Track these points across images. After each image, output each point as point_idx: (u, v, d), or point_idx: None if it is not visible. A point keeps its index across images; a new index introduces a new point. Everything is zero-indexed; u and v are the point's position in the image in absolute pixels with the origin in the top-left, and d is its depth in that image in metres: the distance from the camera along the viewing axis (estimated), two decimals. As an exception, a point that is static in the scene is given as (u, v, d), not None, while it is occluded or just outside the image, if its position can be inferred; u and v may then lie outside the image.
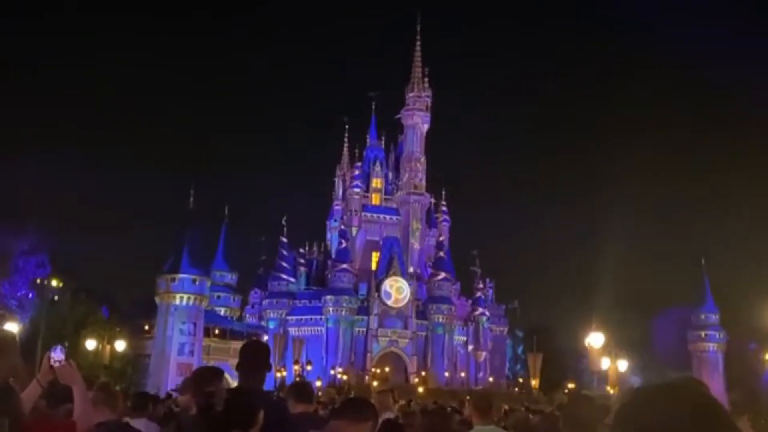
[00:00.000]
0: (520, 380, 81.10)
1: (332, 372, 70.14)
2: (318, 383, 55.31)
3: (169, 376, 52.63)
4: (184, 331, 56.85)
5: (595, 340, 29.32)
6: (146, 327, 58.96)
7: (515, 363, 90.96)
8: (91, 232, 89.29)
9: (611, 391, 33.82)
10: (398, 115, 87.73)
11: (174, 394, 17.61)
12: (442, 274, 79.17)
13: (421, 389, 61.98)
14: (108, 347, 41.45)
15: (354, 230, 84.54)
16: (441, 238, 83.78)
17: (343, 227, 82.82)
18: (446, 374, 75.37)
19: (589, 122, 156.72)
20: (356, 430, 3.12)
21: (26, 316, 43.51)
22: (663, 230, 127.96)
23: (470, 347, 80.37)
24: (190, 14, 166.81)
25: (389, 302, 76.87)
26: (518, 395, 59.48)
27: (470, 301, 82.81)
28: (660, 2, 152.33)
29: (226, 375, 4.89)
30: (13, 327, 28.86)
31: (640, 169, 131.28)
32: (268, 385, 5.78)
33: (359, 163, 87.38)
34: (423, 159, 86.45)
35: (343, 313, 75.43)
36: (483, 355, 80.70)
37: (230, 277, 76.79)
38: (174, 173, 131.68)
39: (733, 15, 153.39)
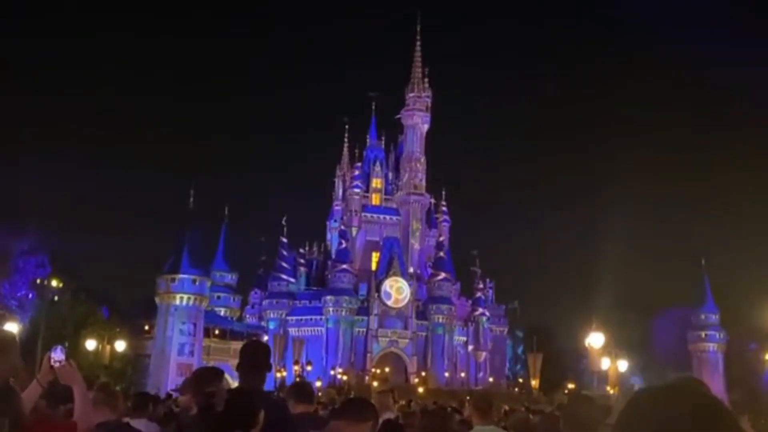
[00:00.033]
0: (520, 380, 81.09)
1: (332, 372, 70.15)
2: (318, 383, 55.32)
3: (169, 377, 52.62)
4: (184, 332, 56.85)
5: (595, 340, 29.35)
6: (146, 327, 58.94)
7: (515, 363, 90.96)
8: (91, 232, 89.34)
9: (611, 392, 33.86)
10: (398, 116, 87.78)
11: (174, 395, 17.62)
12: (442, 275, 79.18)
13: (421, 389, 61.97)
14: (108, 347, 41.46)
15: (354, 230, 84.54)
16: (441, 239, 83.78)
17: (343, 227, 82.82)
18: (446, 374, 75.37)
19: (589, 122, 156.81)
20: (356, 431, 3.12)
21: (26, 316, 43.50)
22: (663, 230, 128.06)
23: (470, 347, 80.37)
24: (190, 14, 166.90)
25: (389, 302, 76.87)
26: (518, 395, 59.45)
27: (470, 302, 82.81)
28: (660, 2, 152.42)
29: (227, 375, 4.88)
30: (13, 327, 28.88)
31: (640, 169, 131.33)
32: (268, 386, 5.78)
33: (359, 164, 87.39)
34: (423, 159, 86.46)
35: (343, 313, 75.43)
36: (483, 355, 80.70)
37: (230, 278, 76.78)
38: (174, 173, 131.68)
39: (733, 15, 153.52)
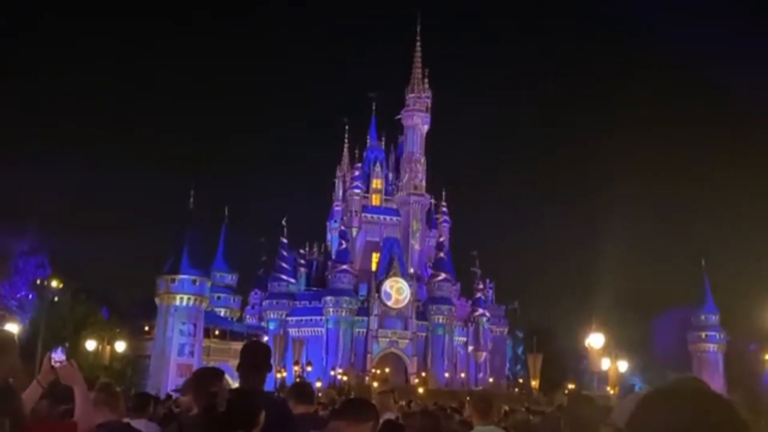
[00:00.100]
0: (520, 381, 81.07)
1: (332, 373, 70.13)
2: (318, 384, 55.29)
3: (169, 377, 52.64)
4: (184, 332, 56.86)
5: (595, 340, 29.34)
6: (146, 328, 58.94)
7: (515, 364, 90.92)
8: (91, 233, 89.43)
9: (611, 392, 33.85)
10: (398, 116, 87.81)
11: (174, 395, 17.63)
12: (442, 275, 79.18)
13: (421, 390, 61.96)
14: (108, 348, 41.42)
15: (354, 231, 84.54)
16: (441, 239, 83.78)
17: (343, 228, 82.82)
18: (446, 375, 75.37)
19: (589, 122, 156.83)
20: (356, 431, 3.12)
21: (26, 316, 43.50)
22: (663, 230, 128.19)
23: (470, 348, 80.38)
24: (190, 14, 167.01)
25: (389, 303, 76.87)
26: (518, 396, 59.44)
27: (470, 302, 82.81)
28: (660, 2, 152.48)
29: (227, 376, 4.88)
30: (13, 328, 28.82)
31: (640, 169, 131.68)
32: (268, 386, 5.78)
33: (359, 164, 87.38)
34: (423, 160, 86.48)
35: (344, 313, 75.42)
36: (483, 355, 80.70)
37: (230, 278, 76.80)
38: (174, 173, 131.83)
39: (733, 15, 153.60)
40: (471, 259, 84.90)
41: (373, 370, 71.64)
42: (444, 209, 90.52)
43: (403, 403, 15.85)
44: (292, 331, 74.42)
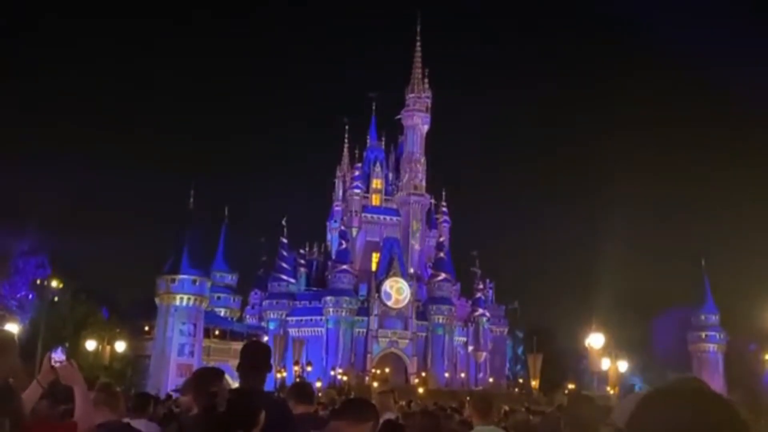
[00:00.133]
0: (520, 381, 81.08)
1: (332, 373, 70.13)
2: (318, 384, 55.27)
3: (169, 377, 52.63)
4: (184, 332, 56.85)
5: (595, 340, 29.34)
6: (146, 328, 58.94)
7: (515, 364, 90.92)
8: (91, 233, 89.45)
9: (611, 392, 33.85)
10: (398, 116, 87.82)
11: (174, 395, 17.63)
12: (442, 275, 79.18)
13: (421, 390, 61.95)
14: (108, 348, 41.41)
15: (354, 231, 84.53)
16: (441, 239, 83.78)
17: (343, 228, 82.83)
18: (446, 375, 75.37)
19: (589, 122, 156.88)
20: (356, 431, 3.12)
21: (26, 316, 43.49)
22: (663, 230, 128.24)
23: (470, 348, 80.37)
24: (190, 15, 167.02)
25: (389, 303, 76.86)
26: (518, 396, 59.44)
27: (470, 302, 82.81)
28: (660, 2, 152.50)
29: (227, 376, 4.88)
30: (13, 328, 28.82)
31: (640, 169, 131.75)
32: (268, 386, 5.78)
33: (359, 164, 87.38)
34: (423, 160, 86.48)
35: (344, 313, 75.42)
36: (483, 355, 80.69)
37: (230, 278, 76.81)
38: (174, 173, 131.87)
39: (733, 15, 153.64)
40: (471, 259, 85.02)
41: (373, 370, 71.64)
42: (444, 209, 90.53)
43: (403, 403, 15.85)
44: (292, 331, 74.43)
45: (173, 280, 57.58)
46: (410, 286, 77.39)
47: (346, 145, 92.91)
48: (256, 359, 4.51)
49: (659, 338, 74.76)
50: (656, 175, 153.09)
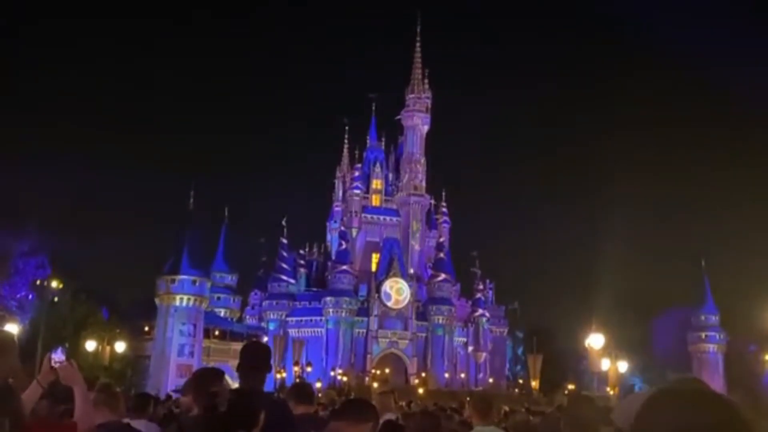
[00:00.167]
0: (520, 381, 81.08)
1: (332, 373, 70.13)
2: (318, 385, 55.31)
3: (169, 378, 52.62)
4: (184, 333, 56.85)
5: (595, 341, 29.34)
6: (146, 328, 58.94)
7: (515, 364, 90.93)
8: (91, 233, 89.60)
9: (611, 392, 33.84)
10: (398, 117, 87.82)
11: (174, 396, 17.63)
12: (442, 276, 79.17)
13: (421, 390, 61.92)
14: (108, 348, 41.38)
15: (354, 231, 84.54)
16: (441, 239, 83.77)
17: (343, 228, 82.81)
18: (446, 375, 75.35)
19: (589, 122, 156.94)
20: (356, 431, 3.11)
21: (26, 317, 43.49)
22: (663, 230, 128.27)
23: (470, 348, 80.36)
24: (190, 15, 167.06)
25: (389, 303, 76.85)
26: (518, 396, 59.43)
27: (470, 303, 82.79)
28: (660, 2, 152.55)
29: (227, 376, 4.88)
30: (13, 328, 28.82)
31: (640, 168, 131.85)
32: (267, 387, 5.78)
33: (359, 165, 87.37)
34: (423, 160, 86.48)
35: (343, 314, 75.40)
36: (483, 356, 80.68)
37: (230, 279, 76.83)
38: (174, 173, 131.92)
39: (733, 15, 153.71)
40: (471, 259, 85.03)
41: (373, 371, 71.64)
42: (444, 209, 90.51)
43: (403, 403, 15.85)
44: (292, 332, 74.40)
45: (173, 281, 57.58)
46: (410, 286, 77.38)
47: (346, 146, 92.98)
48: (255, 360, 4.51)
49: (659, 338, 74.77)
50: (656, 175, 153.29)
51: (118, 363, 46.17)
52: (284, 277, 78.35)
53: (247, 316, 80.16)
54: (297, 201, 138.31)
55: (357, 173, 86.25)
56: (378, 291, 76.97)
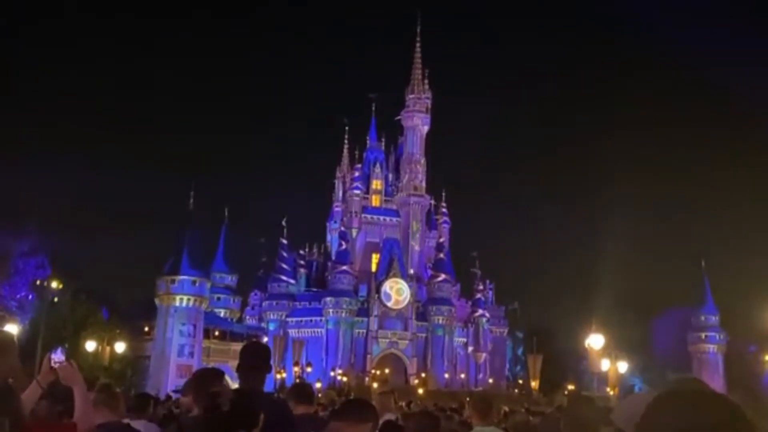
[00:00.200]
0: (520, 381, 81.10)
1: (332, 374, 70.13)
2: (318, 385, 55.32)
3: (168, 378, 52.62)
4: (183, 333, 56.85)
5: (595, 341, 29.33)
6: (146, 328, 58.94)
7: (515, 364, 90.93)
8: (91, 233, 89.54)
9: (611, 393, 33.84)
10: (398, 117, 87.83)
11: (174, 396, 17.63)
12: (442, 276, 79.17)
13: (421, 391, 61.93)
14: (108, 349, 41.38)
15: (354, 232, 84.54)
16: (441, 240, 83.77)
17: (343, 229, 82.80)
18: (446, 376, 75.35)
19: (589, 122, 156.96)
20: (356, 431, 3.11)
21: (26, 317, 43.47)
22: (663, 230, 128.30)
23: (470, 349, 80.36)
24: (190, 15, 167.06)
25: (389, 304, 76.85)
26: (518, 397, 59.43)
27: (470, 303, 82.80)
28: (660, 2, 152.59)
29: (227, 376, 4.88)
30: (12, 328, 28.83)
31: (640, 169, 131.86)
32: (267, 387, 5.78)
33: (359, 165, 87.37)
34: (423, 160, 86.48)
35: (343, 314, 75.39)
36: (483, 356, 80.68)
37: (230, 279, 76.84)
38: (174, 173, 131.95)
39: (733, 15, 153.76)
40: (471, 259, 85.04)
41: (373, 371, 71.65)
42: (444, 210, 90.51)
43: (403, 404, 15.85)
44: (292, 332, 74.41)
45: (173, 281, 57.58)
46: (410, 286, 77.38)
47: (346, 146, 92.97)
48: (255, 360, 4.51)
49: (659, 339, 74.81)
50: (656, 175, 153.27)
51: (118, 363, 46.15)
52: (284, 278, 78.35)
53: (247, 317, 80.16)
54: (297, 201, 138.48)
55: (357, 173, 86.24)
56: (378, 291, 76.97)
